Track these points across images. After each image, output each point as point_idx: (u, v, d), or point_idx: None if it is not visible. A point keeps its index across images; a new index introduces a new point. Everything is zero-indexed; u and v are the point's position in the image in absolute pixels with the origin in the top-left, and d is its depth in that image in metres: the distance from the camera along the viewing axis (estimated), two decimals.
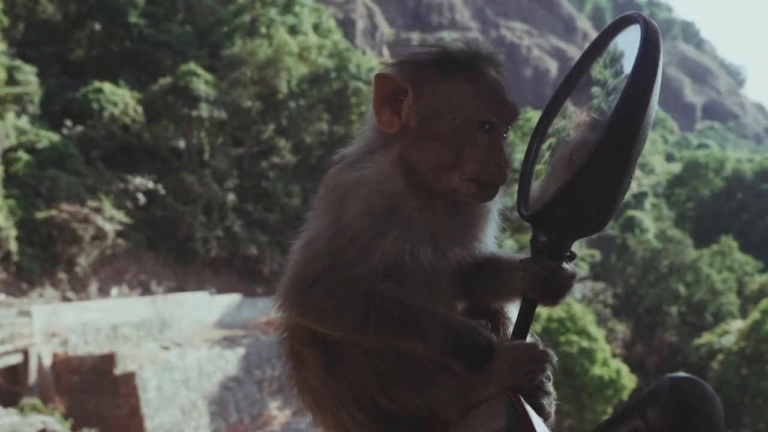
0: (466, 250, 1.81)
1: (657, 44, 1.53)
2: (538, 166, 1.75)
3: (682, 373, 1.44)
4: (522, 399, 1.55)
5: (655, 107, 1.56)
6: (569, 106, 1.75)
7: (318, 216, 1.76)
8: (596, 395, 34.73)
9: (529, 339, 1.77)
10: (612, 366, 35.31)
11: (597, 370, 34.63)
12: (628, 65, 1.57)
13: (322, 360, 1.70)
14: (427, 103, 1.73)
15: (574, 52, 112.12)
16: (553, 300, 1.66)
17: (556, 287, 1.65)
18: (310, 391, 1.76)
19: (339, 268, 1.65)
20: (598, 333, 36.44)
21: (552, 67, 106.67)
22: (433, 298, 1.73)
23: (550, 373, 1.66)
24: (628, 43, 1.61)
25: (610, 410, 35.43)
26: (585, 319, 36.30)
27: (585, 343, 34.94)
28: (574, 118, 1.72)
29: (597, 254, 54.21)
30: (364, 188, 1.71)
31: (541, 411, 1.62)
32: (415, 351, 1.64)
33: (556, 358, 1.65)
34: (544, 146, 1.77)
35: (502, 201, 1.85)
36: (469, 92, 1.71)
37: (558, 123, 1.77)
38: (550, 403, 1.68)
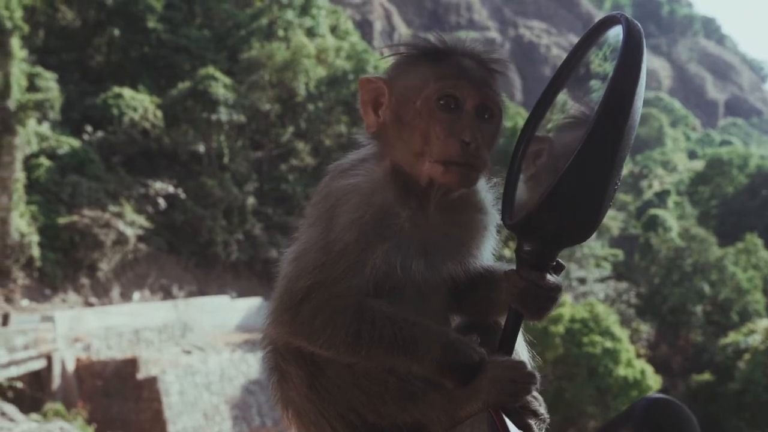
0: (459, 264, 1.79)
1: (639, 45, 1.50)
2: (525, 173, 1.70)
3: (658, 394, 1.43)
4: (504, 416, 1.54)
5: (639, 109, 1.52)
6: (555, 111, 1.71)
7: (309, 225, 1.73)
8: (621, 396, 34.51)
9: (525, 352, 1.83)
10: (636, 366, 35.18)
11: (621, 371, 34.52)
12: (611, 68, 1.52)
13: (306, 376, 1.67)
14: (396, 95, 1.72)
15: None
16: (537, 312, 1.62)
17: (540, 299, 1.61)
18: (294, 407, 1.72)
19: (329, 283, 1.61)
20: (622, 333, 36.34)
21: None
22: (426, 313, 1.69)
23: (537, 394, 1.65)
24: (611, 45, 1.57)
25: None
26: (608, 320, 36.20)
27: (609, 344, 34.82)
28: (559, 123, 1.69)
29: (620, 254, 53.84)
30: (354, 198, 1.67)
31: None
32: (409, 370, 1.61)
33: (540, 381, 1.63)
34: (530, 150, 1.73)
35: (499, 215, 1.79)
36: (431, 73, 1.69)
37: (544, 128, 1.72)
38: (540, 425, 1.67)
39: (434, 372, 1.61)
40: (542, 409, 1.68)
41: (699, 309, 47.44)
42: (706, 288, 47.83)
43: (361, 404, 1.64)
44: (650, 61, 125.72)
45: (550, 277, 1.61)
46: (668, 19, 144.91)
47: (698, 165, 79.32)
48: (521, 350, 1.84)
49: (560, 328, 35.66)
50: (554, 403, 35.29)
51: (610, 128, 1.49)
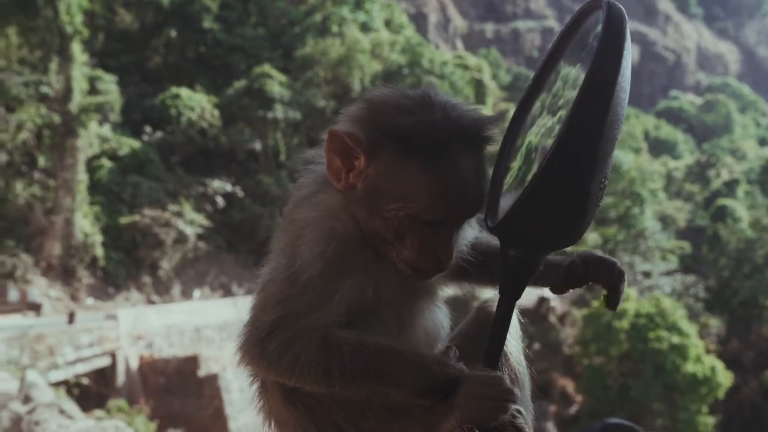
0: None
1: (620, 31, 1.41)
2: (511, 172, 1.62)
3: (615, 419, 1.44)
4: None
5: (623, 101, 1.42)
6: (539, 106, 1.62)
7: (278, 251, 1.66)
8: (689, 393, 33.95)
9: (520, 361, 1.76)
10: (706, 363, 34.57)
11: (690, 367, 34.00)
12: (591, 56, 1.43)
13: (282, 389, 1.62)
14: (375, 179, 1.58)
15: (656, 36, 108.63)
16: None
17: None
18: (275, 418, 1.67)
19: (293, 318, 1.55)
20: (690, 328, 35.66)
21: (633, 52, 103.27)
22: (410, 331, 1.67)
23: (522, 410, 1.57)
24: (594, 31, 1.49)
25: (705, 409, 34.38)
26: (675, 314, 35.63)
27: (676, 339, 34.25)
28: (544, 119, 1.59)
29: (687, 246, 52.64)
30: (315, 230, 1.59)
31: None
32: (386, 396, 1.55)
33: (519, 399, 1.57)
34: (516, 150, 1.65)
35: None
36: (423, 186, 1.54)
37: (528, 124, 1.64)
38: None
39: (412, 397, 1.54)
40: (524, 425, 1.57)
41: None
42: None
43: (340, 418, 1.60)
44: (716, 45, 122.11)
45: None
46: (735, 0, 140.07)
47: None
48: (516, 355, 1.77)
49: (625, 324, 35.13)
50: (619, 401, 34.70)
51: (589, 123, 1.40)
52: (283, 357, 1.54)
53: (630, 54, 1.43)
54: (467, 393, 1.51)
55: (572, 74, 1.52)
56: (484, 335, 1.64)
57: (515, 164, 1.61)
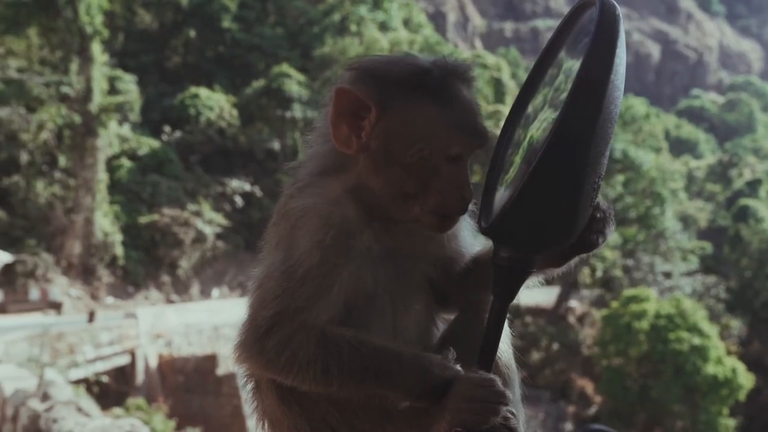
0: (433, 263, 1.73)
1: (613, 28, 1.40)
2: (514, 166, 1.59)
3: (597, 425, 1.55)
4: None
5: (617, 99, 1.40)
6: (542, 100, 1.60)
7: (270, 249, 1.64)
8: (710, 395, 33.72)
9: (510, 364, 1.71)
10: (727, 364, 34.33)
11: (710, 369, 33.76)
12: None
13: (277, 388, 1.60)
14: (391, 126, 1.60)
15: (678, 35, 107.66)
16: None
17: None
18: (269, 419, 1.66)
19: (292, 312, 1.53)
20: (711, 329, 35.40)
21: (654, 51, 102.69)
22: (401, 323, 1.67)
23: (509, 414, 1.52)
24: (588, 29, 1.46)
25: (725, 411, 34.08)
26: (696, 315, 35.38)
27: (697, 341, 34.02)
28: (545, 113, 1.56)
29: (708, 246, 52.13)
30: (312, 219, 1.58)
31: None
32: (384, 398, 1.54)
33: (512, 401, 1.54)
34: (510, 151, 1.64)
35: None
36: (440, 119, 1.59)
37: (531, 118, 1.62)
38: None
39: (409, 398, 1.54)
40: (517, 426, 1.54)
41: None
42: None
43: (335, 419, 1.59)
44: (739, 43, 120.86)
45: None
46: None
47: None
48: (507, 357, 1.73)
49: (644, 324, 34.91)
50: (639, 402, 34.46)
51: (580, 122, 1.39)
52: (281, 354, 1.53)
53: (624, 52, 1.40)
54: (458, 395, 1.50)
55: (575, 68, 1.48)
56: (474, 334, 1.63)
57: (517, 158, 1.59)
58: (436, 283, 1.75)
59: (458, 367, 1.54)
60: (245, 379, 1.71)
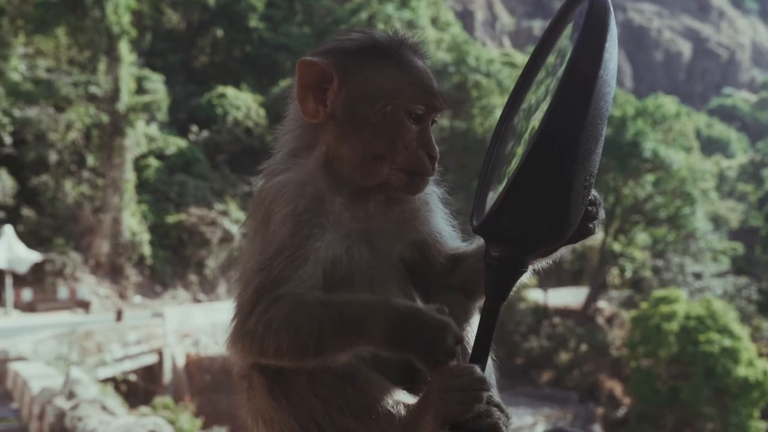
0: (408, 245, 1.76)
1: (603, 22, 1.37)
2: (506, 168, 1.57)
3: (561, 425, 1.16)
4: None
5: (607, 95, 1.38)
6: (543, 90, 1.56)
7: (250, 239, 1.66)
8: (741, 397, 33.48)
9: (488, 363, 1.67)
10: (758, 366, 34.15)
11: (741, 371, 33.54)
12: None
13: (268, 383, 1.62)
14: (354, 90, 1.68)
15: (709, 32, 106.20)
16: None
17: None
18: (261, 417, 1.66)
19: (270, 284, 1.55)
20: (742, 331, 35.09)
21: (685, 49, 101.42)
22: (376, 292, 1.67)
23: (499, 401, 1.53)
24: (578, 22, 1.44)
25: (756, 413, 33.64)
26: (727, 317, 35.08)
27: (727, 342, 33.73)
28: (541, 108, 1.52)
29: (739, 247, 51.45)
30: (286, 192, 1.63)
31: None
32: (362, 350, 1.52)
33: (493, 387, 1.57)
34: (505, 148, 1.63)
35: (438, 189, 1.83)
36: (400, 79, 1.67)
37: (533, 109, 1.58)
38: None
39: (387, 346, 1.49)
40: (504, 419, 1.51)
41: None
42: None
43: (320, 415, 1.59)
44: None
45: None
46: None
47: None
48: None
49: (674, 326, 34.58)
50: (668, 404, 34.10)
51: (568, 119, 1.36)
52: (260, 327, 1.53)
53: (615, 47, 1.37)
54: (439, 387, 1.48)
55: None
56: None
57: (519, 150, 1.54)
58: (415, 267, 1.76)
59: (446, 318, 1.48)
60: (240, 379, 1.71)
